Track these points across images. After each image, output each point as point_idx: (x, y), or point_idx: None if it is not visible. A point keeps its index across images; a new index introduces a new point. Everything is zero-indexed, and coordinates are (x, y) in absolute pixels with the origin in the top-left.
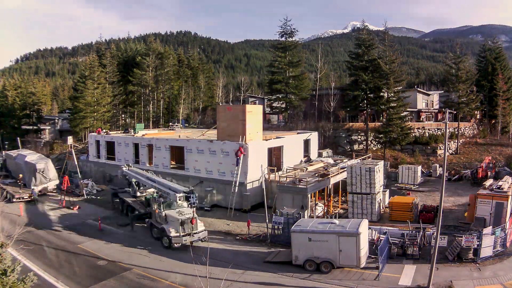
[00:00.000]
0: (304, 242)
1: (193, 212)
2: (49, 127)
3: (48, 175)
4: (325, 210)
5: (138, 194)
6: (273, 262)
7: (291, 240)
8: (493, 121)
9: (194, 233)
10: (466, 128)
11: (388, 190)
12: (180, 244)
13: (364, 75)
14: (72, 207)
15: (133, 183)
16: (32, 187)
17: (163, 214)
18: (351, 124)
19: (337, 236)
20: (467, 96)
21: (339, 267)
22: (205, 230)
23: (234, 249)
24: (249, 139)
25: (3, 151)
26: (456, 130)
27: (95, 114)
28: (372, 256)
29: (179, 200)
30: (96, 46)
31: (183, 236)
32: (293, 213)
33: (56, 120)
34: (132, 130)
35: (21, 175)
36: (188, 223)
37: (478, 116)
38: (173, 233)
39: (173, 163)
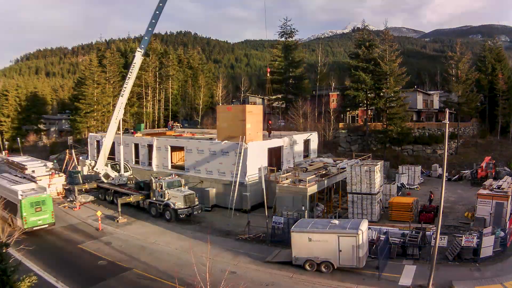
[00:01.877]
0: (304, 242)
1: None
2: (49, 127)
3: None
4: (325, 210)
5: (123, 181)
6: (273, 262)
7: (291, 240)
8: (493, 121)
9: (194, 206)
10: (466, 128)
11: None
12: (184, 215)
13: (364, 75)
14: (73, 208)
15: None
16: None
17: (166, 192)
18: (351, 124)
19: (337, 236)
20: (467, 96)
21: (339, 267)
22: (199, 204)
23: (234, 249)
24: (249, 139)
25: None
26: (456, 130)
27: (95, 114)
28: (372, 256)
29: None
30: (96, 46)
31: (186, 208)
32: (293, 213)
33: (56, 120)
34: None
35: None
36: (188, 198)
37: (478, 116)
38: (178, 206)
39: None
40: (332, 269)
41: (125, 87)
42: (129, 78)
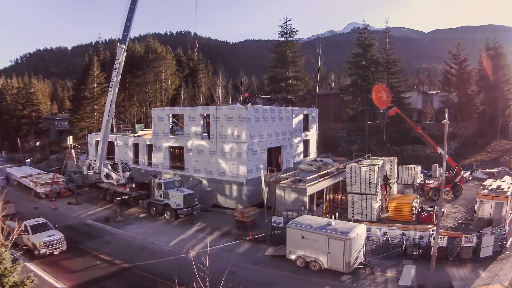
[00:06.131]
0: (297, 238)
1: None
2: (49, 127)
3: None
4: (324, 210)
5: (123, 181)
6: (273, 262)
7: (287, 234)
8: (493, 121)
9: (193, 206)
10: (466, 128)
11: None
12: (184, 215)
13: (364, 75)
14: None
15: (111, 174)
16: None
17: (166, 192)
18: (351, 124)
19: (327, 238)
20: (467, 96)
21: (327, 269)
22: (199, 204)
23: (234, 250)
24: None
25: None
26: (456, 130)
27: (95, 114)
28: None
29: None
30: (96, 46)
31: (185, 208)
32: (293, 213)
33: (56, 120)
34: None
35: None
36: (188, 198)
37: (478, 116)
38: (178, 205)
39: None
40: (320, 269)
41: (112, 84)
42: (118, 74)
